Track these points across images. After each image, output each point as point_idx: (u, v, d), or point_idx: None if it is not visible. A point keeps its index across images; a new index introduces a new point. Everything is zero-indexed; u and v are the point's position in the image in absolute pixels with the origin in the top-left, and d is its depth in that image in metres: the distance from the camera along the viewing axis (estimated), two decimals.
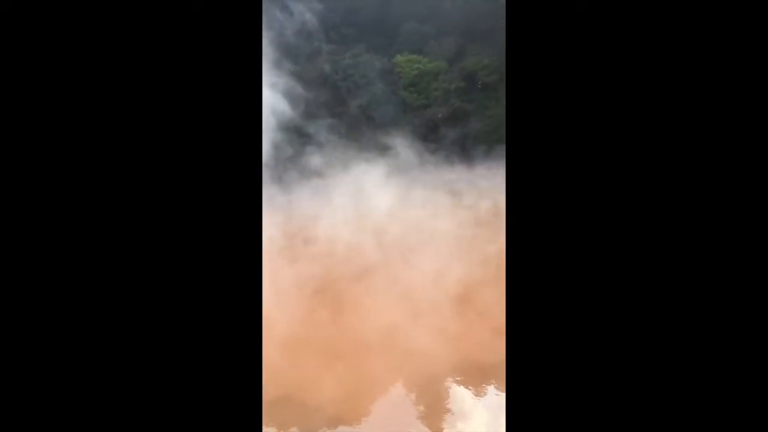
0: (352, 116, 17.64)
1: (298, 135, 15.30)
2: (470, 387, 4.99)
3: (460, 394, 4.88)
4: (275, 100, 12.18)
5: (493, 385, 4.95)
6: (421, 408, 4.75)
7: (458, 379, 5.10)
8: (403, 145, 16.15)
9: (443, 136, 17.79)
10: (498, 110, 18.39)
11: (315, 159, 14.61)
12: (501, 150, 16.69)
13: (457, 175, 15.52)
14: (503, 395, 4.78)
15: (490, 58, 19.52)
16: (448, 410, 4.64)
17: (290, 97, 13.48)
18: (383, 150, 15.80)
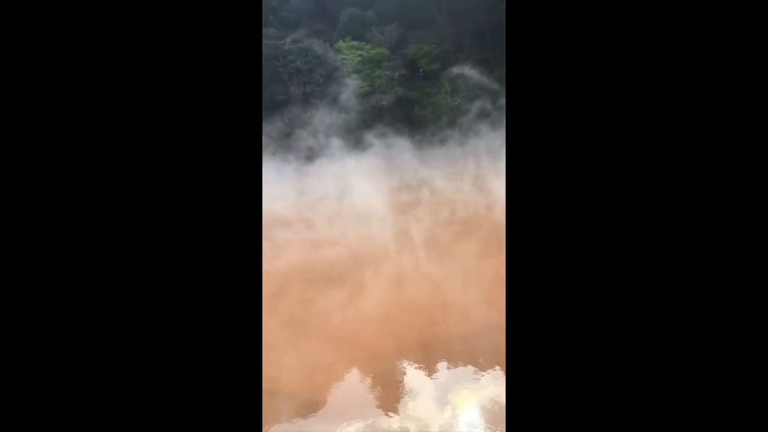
0: (295, 103, 17.31)
1: None
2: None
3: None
4: None
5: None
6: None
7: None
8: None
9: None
10: (440, 98, 18.91)
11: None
12: (446, 134, 17.26)
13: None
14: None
15: (430, 45, 19.90)
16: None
17: None
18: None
